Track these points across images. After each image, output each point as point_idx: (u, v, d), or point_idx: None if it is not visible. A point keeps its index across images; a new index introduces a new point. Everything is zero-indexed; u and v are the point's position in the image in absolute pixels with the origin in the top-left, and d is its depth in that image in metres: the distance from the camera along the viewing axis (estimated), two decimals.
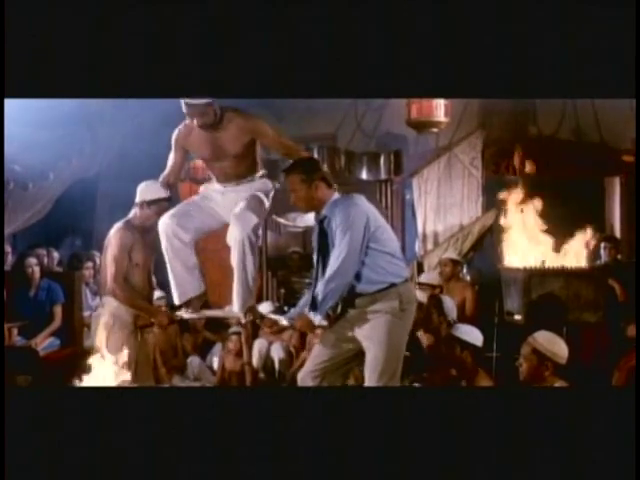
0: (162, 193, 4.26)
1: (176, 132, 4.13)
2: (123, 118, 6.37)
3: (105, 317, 4.33)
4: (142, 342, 4.48)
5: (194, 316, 4.43)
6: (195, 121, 3.94)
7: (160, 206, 4.25)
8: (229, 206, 4.14)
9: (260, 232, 4.17)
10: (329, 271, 3.59)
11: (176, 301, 4.28)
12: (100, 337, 3.65)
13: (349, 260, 3.55)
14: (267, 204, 4.18)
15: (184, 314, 4.32)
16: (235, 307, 4.17)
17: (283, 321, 4.01)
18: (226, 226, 4.17)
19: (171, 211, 4.19)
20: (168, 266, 4.20)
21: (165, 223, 4.15)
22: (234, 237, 4.02)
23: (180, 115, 3.98)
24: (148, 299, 4.52)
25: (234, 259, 4.07)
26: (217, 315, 4.91)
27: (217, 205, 4.22)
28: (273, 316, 4.29)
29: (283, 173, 3.84)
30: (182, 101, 3.83)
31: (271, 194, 4.20)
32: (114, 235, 4.35)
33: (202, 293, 4.30)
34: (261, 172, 4.21)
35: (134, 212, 4.37)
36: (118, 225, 4.38)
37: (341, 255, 3.55)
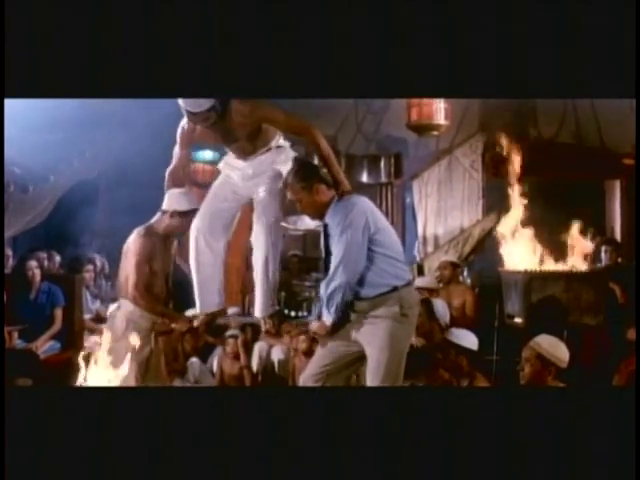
0: (194, 204, 4.15)
1: (180, 129, 4.05)
2: (123, 120, 6.36)
3: (119, 319, 4.30)
4: (156, 347, 4.44)
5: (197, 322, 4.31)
6: (198, 127, 3.88)
7: (190, 218, 4.12)
8: (248, 186, 4.00)
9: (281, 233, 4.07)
10: (330, 272, 3.60)
11: (198, 310, 4.19)
12: (109, 337, 3.63)
13: (348, 259, 3.54)
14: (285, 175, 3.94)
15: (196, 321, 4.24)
16: (257, 312, 4.07)
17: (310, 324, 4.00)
18: (245, 209, 4.07)
19: (199, 215, 4.07)
20: (194, 274, 4.10)
21: (196, 229, 4.03)
22: (258, 239, 3.94)
23: (180, 115, 3.96)
24: (166, 304, 4.45)
25: (258, 264, 3.99)
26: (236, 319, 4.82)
27: (236, 186, 4.06)
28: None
29: (282, 187, 3.81)
30: (183, 109, 3.71)
31: (290, 163, 3.91)
32: (134, 242, 4.28)
33: (221, 310, 4.25)
34: (278, 138, 3.99)
35: (160, 218, 4.29)
36: (139, 231, 4.30)
37: (339, 255, 3.56)
